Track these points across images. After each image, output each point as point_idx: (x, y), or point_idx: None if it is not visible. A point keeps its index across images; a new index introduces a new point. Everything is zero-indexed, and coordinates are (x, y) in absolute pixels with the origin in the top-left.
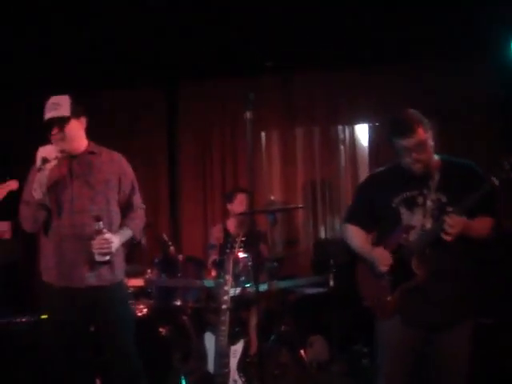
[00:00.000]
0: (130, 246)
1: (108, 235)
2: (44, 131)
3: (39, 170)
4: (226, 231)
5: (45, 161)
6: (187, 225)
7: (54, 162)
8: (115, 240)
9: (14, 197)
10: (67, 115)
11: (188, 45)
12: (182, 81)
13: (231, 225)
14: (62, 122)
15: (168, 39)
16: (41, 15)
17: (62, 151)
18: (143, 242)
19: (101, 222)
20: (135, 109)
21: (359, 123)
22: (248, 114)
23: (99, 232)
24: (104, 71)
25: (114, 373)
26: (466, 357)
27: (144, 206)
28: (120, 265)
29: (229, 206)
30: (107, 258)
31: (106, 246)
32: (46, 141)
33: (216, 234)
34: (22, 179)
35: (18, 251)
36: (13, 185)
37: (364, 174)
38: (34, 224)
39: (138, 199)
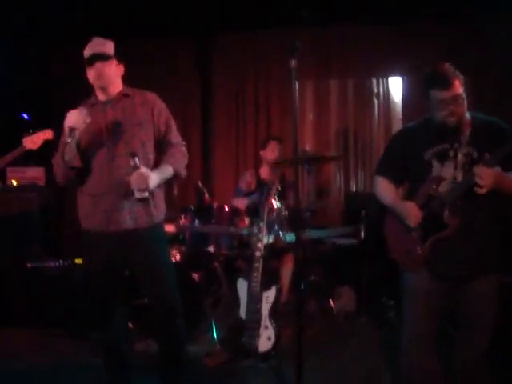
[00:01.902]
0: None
1: (144, 169)
2: (84, 67)
3: (68, 141)
4: (258, 177)
5: (73, 131)
6: (219, 173)
7: (82, 127)
8: (153, 176)
9: (48, 144)
10: (111, 53)
11: None
12: (217, 30)
13: (264, 172)
14: (105, 58)
15: None
16: None
17: (99, 86)
18: (174, 189)
19: (136, 158)
20: (169, 57)
21: (393, 76)
22: (293, 62)
23: (135, 167)
24: (140, 19)
25: (154, 314)
26: (492, 307)
27: (185, 143)
28: (158, 207)
29: (261, 153)
30: (146, 194)
31: (142, 180)
32: (83, 89)
33: (248, 178)
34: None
35: (52, 198)
36: (48, 134)
37: (397, 127)
38: (66, 180)
39: (176, 137)
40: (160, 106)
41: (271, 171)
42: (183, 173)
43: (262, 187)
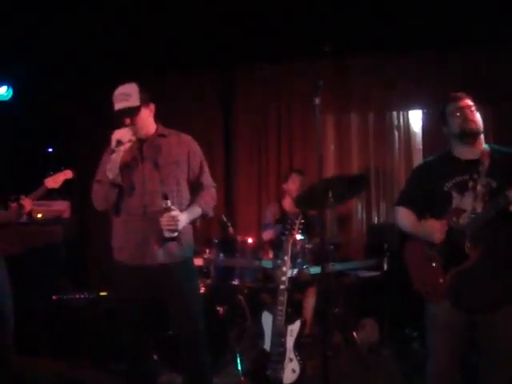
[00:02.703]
0: None
1: (175, 212)
2: (115, 120)
3: (113, 151)
4: (282, 209)
5: (119, 143)
6: (242, 205)
7: (127, 145)
8: (182, 217)
9: (74, 179)
10: (138, 105)
11: (245, 28)
12: (239, 64)
13: (286, 204)
14: (133, 112)
15: (226, 23)
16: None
17: (134, 134)
18: (197, 223)
19: (168, 200)
20: (192, 91)
21: (414, 109)
22: (317, 100)
23: (167, 209)
24: (161, 56)
25: (181, 347)
26: None
27: (215, 185)
28: (189, 242)
29: (284, 186)
30: (175, 234)
31: (172, 222)
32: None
33: (273, 210)
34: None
35: (76, 230)
36: (68, 174)
37: (417, 159)
38: (105, 203)
39: (207, 178)
40: (195, 148)
41: (293, 202)
42: (210, 214)
43: (286, 219)
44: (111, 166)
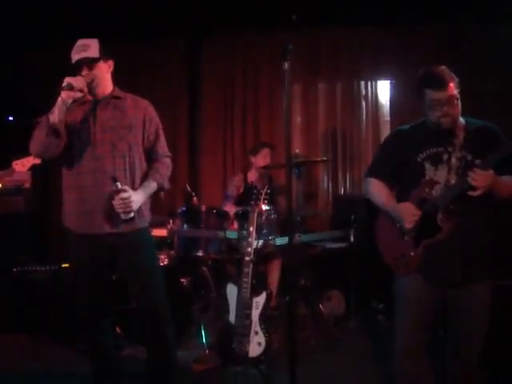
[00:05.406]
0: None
1: (126, 194)
2: (72, 72)
3: (61, 89)
4: (246, 182)
5: (69, 85)
6: (206, 176)
7: (78, 94)
8: (136, 197)
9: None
10: (97, 56)
11: None
12: (206, 31)
13: (252, 176)
14: (91, 62)
15: None
16: None
17: (89, 91)
18: (161, 194)
19: (118, 183)
20: (158, 58)
21: (382, 79)
22: (286, 65)
23: (117, 192)
24: (128, 20)
25: (141, 320)
26: (484, 315)
27: (170, 154)
28: (142, 213)
29: (252, 159)
30: (131, 215)
31: (125, 205)
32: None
33: (237, 183)
34: None
35: (37, 201)
36: (37, 159)
37: (384, 130)
38: (41, 150)
39: (163, 147)
40: (152, 114)
41: (260, 176)
42: (167, 186)
43: (250, 191)
44: (56, 108)
